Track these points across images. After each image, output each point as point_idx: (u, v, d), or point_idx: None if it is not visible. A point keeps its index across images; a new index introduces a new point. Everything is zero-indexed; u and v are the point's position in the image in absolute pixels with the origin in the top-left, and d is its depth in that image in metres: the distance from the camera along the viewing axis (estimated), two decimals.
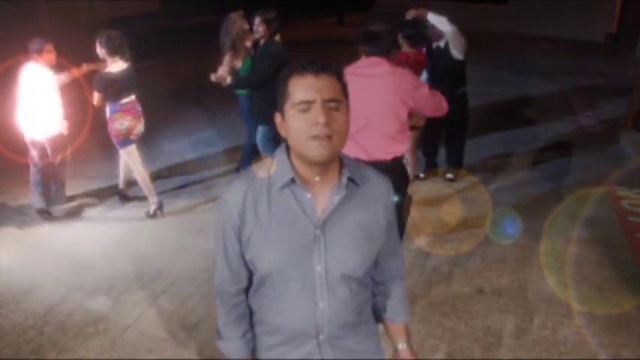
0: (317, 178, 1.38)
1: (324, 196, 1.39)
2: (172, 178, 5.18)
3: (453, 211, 4.40)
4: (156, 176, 5.19)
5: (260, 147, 4.63)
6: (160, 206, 4.41)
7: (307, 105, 1.29)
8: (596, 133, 6.18)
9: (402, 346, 1.62)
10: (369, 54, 2.91)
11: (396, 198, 1.50)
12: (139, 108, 4.30)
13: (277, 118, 1.39)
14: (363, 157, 2.75)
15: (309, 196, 1.37)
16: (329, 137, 1.29)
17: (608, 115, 6.71)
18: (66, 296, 3.43)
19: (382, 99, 2.82)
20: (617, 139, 5.85)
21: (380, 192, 1.46)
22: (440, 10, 4.26)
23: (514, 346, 2.97)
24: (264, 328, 1.52)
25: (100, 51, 4.06)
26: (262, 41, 4.36)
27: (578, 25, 11.48)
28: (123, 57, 4.09)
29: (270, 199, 1.38)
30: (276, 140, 4.56)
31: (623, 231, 4.08)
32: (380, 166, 1.94)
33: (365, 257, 1.44)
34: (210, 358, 2.91)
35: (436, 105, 3.00)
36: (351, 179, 1.40)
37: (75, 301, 3.39)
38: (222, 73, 4.45)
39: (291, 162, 1.39)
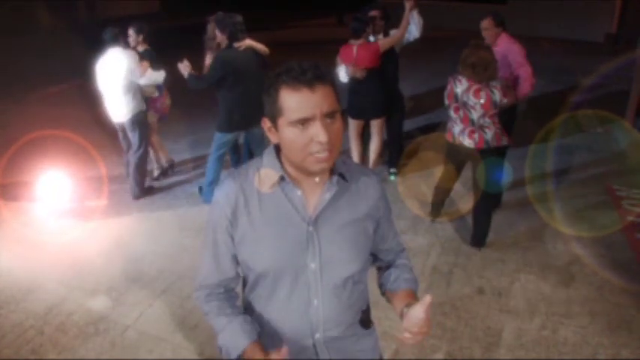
0: (306, 178, 1.37)
1: (314, 193, 1.38)
2: (172, 178, 5.19)
3: (449, 208, 4.40)
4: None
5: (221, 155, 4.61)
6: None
7: (305, 122, 1.23)
8: (596, 133, 6.17)
9: (406, 309, 1.39)
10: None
11: (392, 177, 1.49)
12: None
13: (266, 123, 1.33)
14: None
15: (299, 193, 1.36)
16: (329, 152, 1.25)
17: (608, 115, 6.70)
18: (66, 296, 3.43)
19: None
20: (617, 139, 5.85)
21: (369, 188, 1.45)
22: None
23: (514, 346, 2.97)
24: (261, 328, 1.51)
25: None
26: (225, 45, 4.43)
27: (578, 25, 11.47)
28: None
29: (261, 198, 1.37)
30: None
31: (623, 231, 4.08)
32: None
33: (359, 253, 1.43)
34: (210, 358, 2.91)
35: None
36: (342, 175, 1.39)
37: (75, 301, 3.39)
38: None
39: (280, 160, 1.38)
